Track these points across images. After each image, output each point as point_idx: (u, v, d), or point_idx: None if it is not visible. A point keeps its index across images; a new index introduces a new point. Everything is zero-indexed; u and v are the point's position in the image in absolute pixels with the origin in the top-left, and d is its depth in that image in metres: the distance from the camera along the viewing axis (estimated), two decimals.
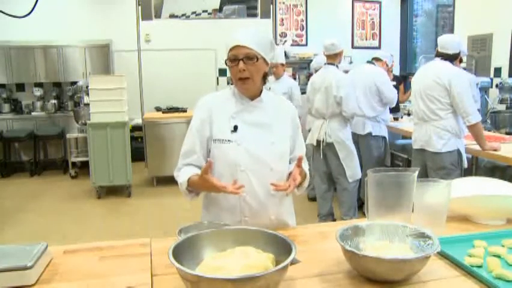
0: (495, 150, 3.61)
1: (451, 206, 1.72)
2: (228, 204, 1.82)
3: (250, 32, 1.77)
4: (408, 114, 5.42)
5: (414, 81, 3.85)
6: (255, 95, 1.85)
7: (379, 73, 4.68)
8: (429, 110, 3.64)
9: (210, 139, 1.84)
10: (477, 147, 3.78)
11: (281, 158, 1.86)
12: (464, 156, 3.66)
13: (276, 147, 1.83)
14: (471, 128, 3.53)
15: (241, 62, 1.73)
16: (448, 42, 3.66)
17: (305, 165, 2.00)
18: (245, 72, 1.75)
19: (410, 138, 4.04)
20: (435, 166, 3.62)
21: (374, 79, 4.64)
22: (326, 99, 4.17)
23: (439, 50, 3.68)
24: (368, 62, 4.89)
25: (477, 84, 5.12)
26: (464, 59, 5.86)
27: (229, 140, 1.79)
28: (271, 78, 5.26)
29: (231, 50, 1.75)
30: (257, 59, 1.75)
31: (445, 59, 3.63)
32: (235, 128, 1.80)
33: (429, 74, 3.65)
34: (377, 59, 4.85)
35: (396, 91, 4.72)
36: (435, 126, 3.61)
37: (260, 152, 1.80)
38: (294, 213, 1.98)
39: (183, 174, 1.81)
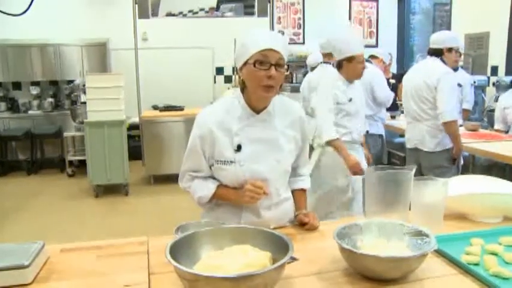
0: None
1: (448, 204, 1.73)
2: (229, 216, 1.78)
3: (280, 38, 1.67)
4: None
5: (406, 80, 3.86)
6: (264, 106, 1.74)
7: (375, 73, 4.66)
8: (421, 110, 3.64)
9: (212, 158, 1.75)
10: (474, 145, 3.80)
11: (285, 176, 1.84)
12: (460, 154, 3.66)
13: (281, 165, 1.77)
14: (445, 125, 3.48)
15: (273, 68, 1.59)
16: (436, 38, 3.67)
17: (307, 170, 2.00)
18: (274, 80, 1.61)
19: None
20: (430, 165, 3.61)
21: (369, 78, 4.63)
22: None
23: (430, 46, 3.70)
24: (365, 60, 4.88)
25: (474, 83, 5.14)
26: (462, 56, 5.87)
27: (231, 161, 1.70)
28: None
29: (262, 51, 1.59)
30: (287, 68, 1.67)
31: (433, 54, 3.63)
32: (239, 148, 1.70)
33: (420, 74, 3.66)
34: (373, 57, 4.84)
35: (392, 93, 4.71)
36: (428, 125, 3.61)
37: (265, 172, 1.73)
38: (294, 218, 1.90)
39: (204, 189, 1.76)
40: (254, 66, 1.61)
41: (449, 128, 3.48)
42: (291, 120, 1.81)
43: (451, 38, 3.67)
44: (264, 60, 1.60)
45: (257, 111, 1.73)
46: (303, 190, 1.96)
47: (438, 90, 3.48)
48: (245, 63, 1.64)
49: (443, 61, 3.60)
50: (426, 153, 3.64)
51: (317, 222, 1.77)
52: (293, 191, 1.93)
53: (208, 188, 1.76)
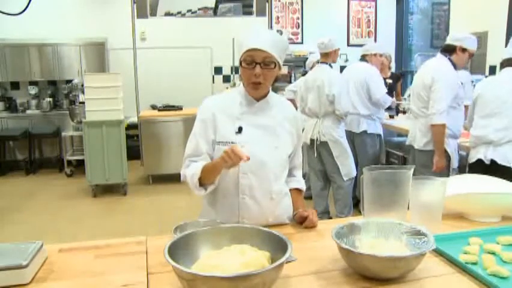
0: (438, 167, 3.50)
1: (446, 204, 1.73)
2: (227, 206, 1.81)
3: (269, 36, 1.72)
4: (404, 112, 5.42)
5: (414, 78, 3.86)
6: (262, 96, 1.82)
7: (370, 72, 4.66)
8: (417, 107, 3.67)
9: (214, 142, 1.81)
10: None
11: (283, 164, 1.86)
12: (454, 156, 3.61)
13: (279, 152, 1.82)
14: (432, 127, 3.47)
15: (258, 67, 1.68)
16: (454, 34, 3.59)
17: (300, 172, 2.03)
18: (260, 77, 1.70)
19: (406, 135, 4.05)
20: (418, 163, 3.60)
21: (365, 77, 4.63)
22: (319, 98, 4.16)
23: (446, 42, 3.62)
24: (361, 59, 4.87)
25: (472, 82, 5.14)
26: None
27: (232, 142, 1.74)
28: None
29: (247, 51, 1.69)
30: (274, 65, 1.71)
31: (444, 51, 3.56)
32: (240, 130, 1.77)
33: (422, 71, 3.67)
34: (369, 56, 4.81)
35: (388, 94, 4.70)
36: (422, 123, 3.62)
37: (264, 155, 1.77)
38: (292, 215, 1.91)
39: (194, 168, 1.77)
40: (241, 65, 1.73)
41: (435, 130, 3.47)
42: (287, 115, 1.89)
43: (470, 39, 3.54)
44: (250, 60, 1.69)
45: (256, 99, 1.82)
46: (299, 190, 2.00)
47: (432, 90, 3.46)
48: (240, 62, 1.75)
49: (451, 60, 3.51)
50: (417, 150, 3.68)
51: (316, 219, 1.78)
52: (290, 191, 1.95)
53: (201, 164, 1.76)
